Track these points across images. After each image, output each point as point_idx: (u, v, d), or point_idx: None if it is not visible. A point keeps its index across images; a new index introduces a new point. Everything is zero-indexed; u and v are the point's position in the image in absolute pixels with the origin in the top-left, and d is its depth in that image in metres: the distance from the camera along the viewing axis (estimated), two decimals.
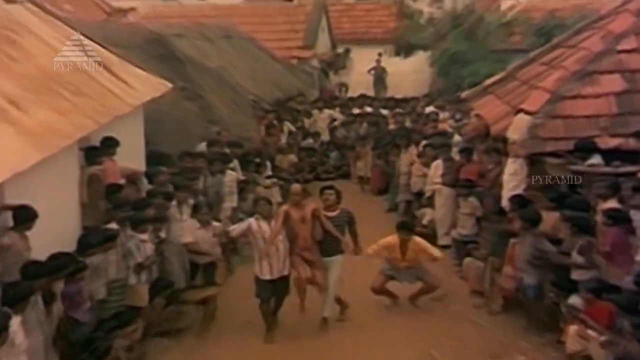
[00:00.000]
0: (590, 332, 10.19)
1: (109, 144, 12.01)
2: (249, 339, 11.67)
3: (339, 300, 12.27)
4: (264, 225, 11.50)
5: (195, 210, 12.72)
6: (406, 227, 12.91)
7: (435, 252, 12.95)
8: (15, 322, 7.54)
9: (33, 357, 8.09)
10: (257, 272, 11.57)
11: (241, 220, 15.26)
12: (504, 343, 11.46)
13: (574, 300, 10.78)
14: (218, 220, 13.75)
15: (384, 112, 23.88)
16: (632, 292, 9.96)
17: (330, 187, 12.41)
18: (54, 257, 9.14)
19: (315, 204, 12.07)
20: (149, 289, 11.38)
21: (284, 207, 11.76)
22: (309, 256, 11.72)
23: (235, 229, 11.98)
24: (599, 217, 10.98)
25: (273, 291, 11.68)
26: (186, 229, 12.56)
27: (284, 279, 11.68)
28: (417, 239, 12.79)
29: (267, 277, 11.48)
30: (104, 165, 11.84)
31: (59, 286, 9.23)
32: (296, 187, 12.14)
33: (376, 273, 12.79)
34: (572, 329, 10.43)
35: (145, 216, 11.58)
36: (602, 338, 9.95)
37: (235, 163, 16.26)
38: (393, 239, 12.70)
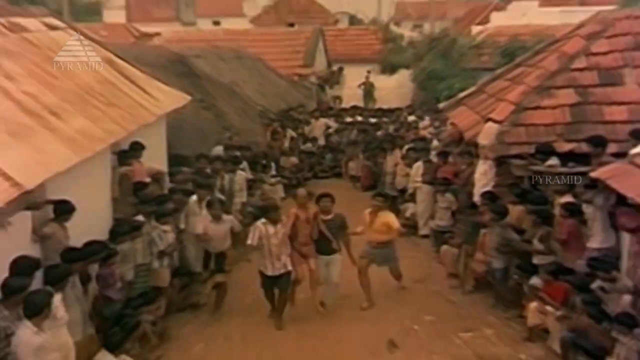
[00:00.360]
0: (547, 308, 10.19)
1: (137, 148, 11.96)
2: (255, 314, 11.72)
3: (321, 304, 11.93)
4: (270, 228, 11.16)
5: (209, 206, 12.27)
6: (381, 195, 12.66)
7: (395, 224, 12.12)
8: (56, 299, 7.50)
9: (72, 329, 8.05)
10: (261, 269, 11.33)
11: (249, 213, 15.31)
12: (475, 318, 11.45)
13: (535, 281, 10.78)
14: (229, 213, 13.69)
15: (373, 120, 23.86)
16: (583, 274, 9.96)
17: (326, 195, 11.98)
18: (88, 244, 9.15)
19: (315, 207, 11.77)
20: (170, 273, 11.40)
21: (294, 210, 11.58)
22: (307, 251, 11.59)
23: (252, 238, 11.28)
24: (556, 210, 10.98)
25: (274, 284, 11.42)
26: (198, 222, 12.24)
27: (284, 275, 11.35)
28: (388, 213, 12.28)
29: (269, 272, 11.25)
30: (133, 166, 11.81)
31: (94, 269, 9.21)
32: (302, 191, 12.09)
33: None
34: (533, 305, 10.43)
35: (167, 210, 11.52)
36: (558, 313, 9.95)
37: (244, 164, 16.22)
38: (364, 212, 12.22)
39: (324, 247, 11.67)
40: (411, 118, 22.73)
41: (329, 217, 11.71)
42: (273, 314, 11.56)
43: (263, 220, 11.31)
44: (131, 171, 11.71)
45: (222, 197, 14.41)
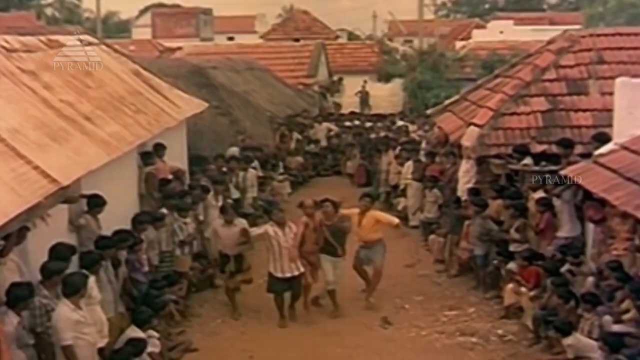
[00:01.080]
0: (522, 289, 10.22)
1: (159, 148, 12.00)
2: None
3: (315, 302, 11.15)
4: (279, 231, 10.34)
5: (222, 211, 11.30)
6: (368, 196, 11.58)
7: (392, 219, 11.43)
8: (91, 281, 7.55)
9: (105, 307, 8.10)
10: (271, 270, 10.44)
11: (260, 206, 15.36)
12: (458, 298, 11.48)
13: (511, 266, 10.81)
14: (242, 213, 13.63)
15: (368, 124, 23.83)
16: (554, 259, 9.99)
17: (327, 200, 10.97)
18: (116, 232, 9.18)
19: (319, 215, 10.83)
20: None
21: (304, 219, 10.66)
22: (313, 259, 10.74)
23: (255, 230, 10.80)
24: (530, 204, 11.01)
25: (287, 287, 10.49)
26: (212, 226, 11.31)
27: (296, 278, 10.48)
28: (375, 211, 11.37)
29: (280, 275, 10.36)
30: (157, 165, 11.84)
31: (123, 255, 9.25)
32: (308, 201, 10.99)
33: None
34: (509, 287, 10.46)
35: (186, 204, 11.52)
36: (531, 294, 9.99)
37: (256, 163, 16.23)
38: (353, 212, 11.22)
39: (329, 250, 10.80)
40: (402, 123, 22.71)
41: (331, 222, 10.80)
42: (282, 322, 10.60)
43: (271, 222, 10.61)
44: (156, 170, 11.75)
45: (237, 192, 14.47)
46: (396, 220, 11.39)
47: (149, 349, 8.52)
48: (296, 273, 10.45)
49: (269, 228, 10.46)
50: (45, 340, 6.95)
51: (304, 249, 10.61)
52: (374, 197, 11.17)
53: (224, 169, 14.73)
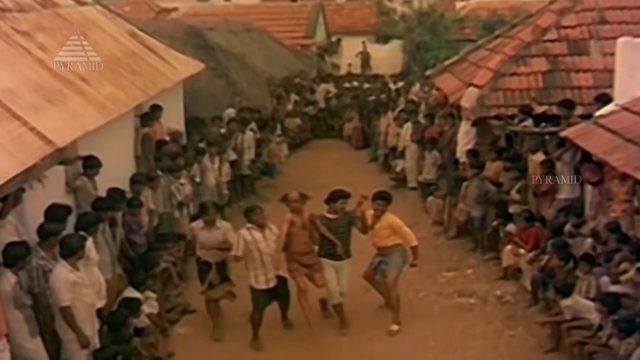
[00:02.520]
0: (520, 250, 10.28)
1: (156, 110, 11.93)
2: None
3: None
4: (257, 234, 8.64)
5: (202, 211, 9.38)
6: (382, 198, 9.47)
7: (411, 237, 9.44)
8: (89, 242, 7.56)
9: (103, 269, 8.13)
10: (252, 283, 8.81)
11: (258, 168, 15.36)
12: (457, 260, 11.55)
13: (510, 227, 10.85)
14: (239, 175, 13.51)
15: (366, 85, 23.69)
16: (558, 220, 10.01)
17: (339, 193, 9.26)
18: (110, 190, 9.18)
19: (309, 210, 9.22)
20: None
21: (288, 215, 9.00)
22: (308, 260, 9.08)
23: (238, 248, 8.74)
24: (530, 166, 11.00)
25: (270, 299, 8.95)
26: (190, 228, 9.61)
27: (280, 286, 8.93)
28: (392, 217, 9.44)
29: (263, 286, 8.75)
30: (154, 127, 11.80)
31: (119, 216, 9.27)
32: (294, 194, 9.14)
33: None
34: (507, 248, 10.52)
35: (179, 165, 11.45)
36: (529, 255, 10.04)
37: (253, 125, 16.19)
38: (368, 212, 9.43)
39: (329, 251, 9.14)
40: (401, 84, 22.60)
41: (335, 216, 9.13)
42: (256, 343, 8.97)
43: (248, 225, 8.79)
44: (152, 131, 11.71)
45: (234, 154, 14.44)
46: (415, 242, 9.44)
47: (147, 310, 8.59)
48: (276, 283, 8.86)
49: (245, 233, 8.69)
50: (43, 301, 6.99)
51: (293, 250, 9.00)
52: (389, 199, 9.44)
53: (223, 131, 14.68)
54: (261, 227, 8.73)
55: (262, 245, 8.65)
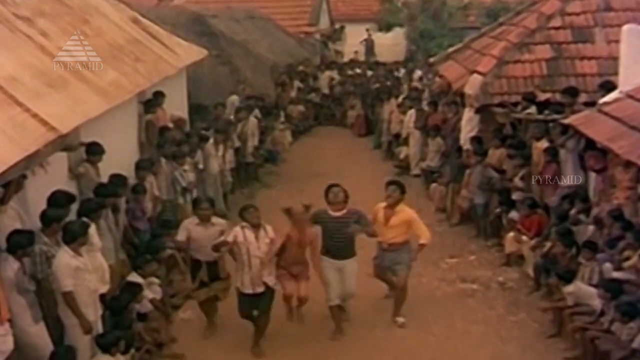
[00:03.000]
0: (523, 237, 10.27)
1: (159, 96, 11.92)
2: None
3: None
4: (250, 234, 8.13)
5: (195, 206, 9.01)
6: (397, 184, 9.08)
7: (427, 235, 9.05)
8: (91, 229, 7.56)
9: (106, 254, 8.12)
10: (238, 286, 8.34)
11: (261, 155, 15.36)
12: (459, 246, 11.57)
13: (513, 214, 10.85)
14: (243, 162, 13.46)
15: (369, 72, 23.63)
16: (559, 208, 9.99)
17: (337, 185, 8.79)
18: (112, 176, 9.18)
19: (313, 235, 8.59)
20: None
21: (288, 232, 8.43)
22: (297, 270, 8.54)
23: (227, 234, 8.39)
24: (534, 153, 10.98)
25: (255, 305, 8.36)
26: (182, 226, 8.86)
27: (266, 294, 8.32)
28: (408, 209, 9.02)
29: (248, 290, 8.23)
30: (157, 113, 11.79)
31: (122, 202, 9.28)
32: (299, 208, 8.49)
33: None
34: (510, 235, 10.53)
35: (183, 152, 11.46)
36: (532, 242, 10.05)
37: (256, 112, 16.18)
38: (376, 207, 9.02)
39: (331, 249, 8.63)
40: (404, 71, 22.54)
41: (340, 213, 8.57)
42: (258, 349, 8.55)
43: (243, 224, 8.26)
44: (155, 118, 11.70)
45: (238, 141, 14.43)
46: (427, 239, 9.06)
47: (150, 295, 8.60)
48: (264, 289, 8.30)
49: (239, 232, 8.21)
50: (46, 287, 7.00)
51: (284, 260, 8.52)
52: (404, 188, 8.99)
53: (231, 118, 14.66)
54: (255, 227, 8.19)
55: (253, 247, 8.12)
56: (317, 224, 8.66)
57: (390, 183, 9.05)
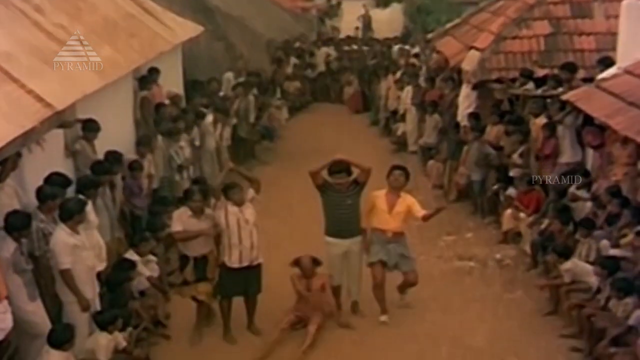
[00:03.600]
0: (521, 214, 10.29)
1: (153, 72, 11.87)
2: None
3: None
4: (234, 209, 7.95)
5: (187, 197, 8.36)
6: (401, 168, 8.66)
7: (419, 210, 8.55)
8: (88, 206, 7.57)
9: (102, 232, 8.14)
10: (225, 260, 7.99)
11: (258, 131, 15.31)
12: (457, 224, 11.56)
13: (510, 191, 10.86)
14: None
15: (366, 48, 23.50)
16: (557, 185, 10.01)
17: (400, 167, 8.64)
18: (108, 153, 9.16)
19: (324, 278, 8.39)
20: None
21: (294, 273, 8.37)
22: (303, 315, 8.30)
23: (221, 222, 8.02)
24: (533, 129, 10.97)
25: (241, 283, 8.09)
26: (175, 217, 8.26)
27: (255, 269, 8.11)
28: (408, 196, 8.64)
29: (236, 264, 7.94)
30: (152, 90, 11.74)
31: (118, 179, 9.29)
32: (306, 261, 8.32)
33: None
34: (507, 212, 10.55)
35: (179, 128, 11.40)
36: (529, 219, 10.06)
37: (254, 89, 16.10)
38: (374, 194, 8.53)
39: (335, 228, 8.36)
40: (402, 47, 22.41)
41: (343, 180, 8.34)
42: (227, 336, 8.26)
43: (228, 202, 8.04)
44: (151, 94, 11.65)
45: (235, 118, 14.39)
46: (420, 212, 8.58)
47: (148, 273, 8.62)
48: (255, 262, 8.07)
49: (230, 207, 8.00)
50: (43, 264, 7.02)
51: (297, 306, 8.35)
52: (408, 174, 8.61)
53: (229, 94, 14.59)
54: (239, 205, 7.96)
55: (241, 220, 7.90)
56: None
57: (395, 168, 8.60)
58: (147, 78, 11.58)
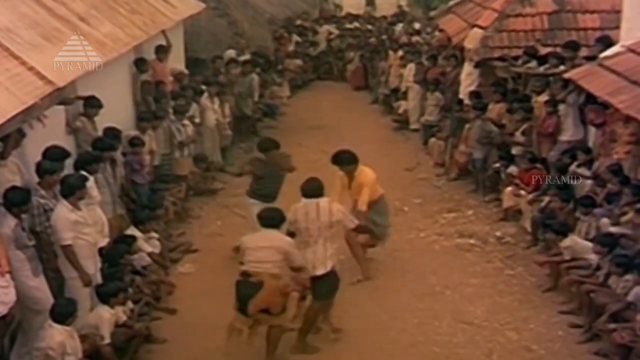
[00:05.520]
0: (521, 192, 10.31)
1: (160, 50, 11.91)
2: None
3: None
4: (312, 208, 7.24)
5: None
6: (338, 161, 8.58)
7: (364, 203, 8.51)
8: (90, 182, 7.59)
9: (104, 208, 8.18)
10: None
11: (260, 109, 15.27)
12: (457, 201, 11.58)
13: (512, 169, 10.87)
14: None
15: (369, 26, 23.38)
16: (558, 163, 10.01)
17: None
18: (107, 130, 9.15)
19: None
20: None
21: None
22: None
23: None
24: (535, 107, 10.96)
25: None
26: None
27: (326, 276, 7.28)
28: (364, 170, 8.68)
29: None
30: (157, 68, 11.72)
31: (119, 155, 9.31)
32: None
33: None
34: (508, 190, 10.56)
35: (180, 106, 11.45)
36: (530, 196, 10.08)
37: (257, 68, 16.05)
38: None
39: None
40: (405, 25, 22.30)
41: None
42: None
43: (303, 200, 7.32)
44: (151, 75, 11.62)
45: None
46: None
47: (149, 249, 8.67)
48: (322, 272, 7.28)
49: (299, 208, 7.31)
50: (45, 239, 7.04)
51: None
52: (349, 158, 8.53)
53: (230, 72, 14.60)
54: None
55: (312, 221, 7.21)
56: None
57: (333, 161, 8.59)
58: (145, 60, 11.50)
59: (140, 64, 11.39)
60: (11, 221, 6.56)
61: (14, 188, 6.73)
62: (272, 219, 7.11)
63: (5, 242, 6.42)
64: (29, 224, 6.89)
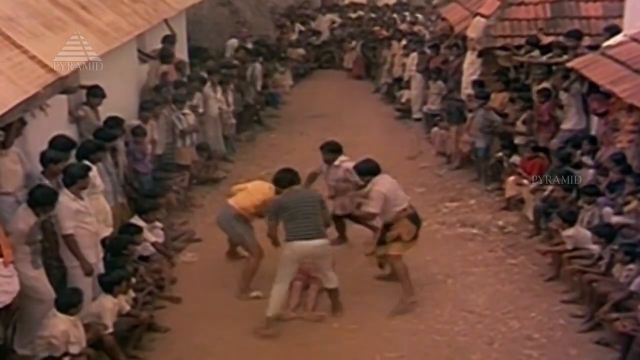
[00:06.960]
0: (524, 181, 10.28)
1: (168, 40, 11.92)
2: None
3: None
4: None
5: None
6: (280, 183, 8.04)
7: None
8: (93, 171, 7.57)
9: (105, 197, 8.14)
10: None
11: (263, 98, 15.23)
12: (460, 190, 11.56)
13: (514, 158, 10.84)
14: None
15: (372, 15, 23.27)
16: (561, 152, 9.97)
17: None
18: (109, 119, 9.12)
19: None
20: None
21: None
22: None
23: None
24: (535, 96, 10.92)
25: None
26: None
27: None
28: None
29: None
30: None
31: (121, 144, 9.28)
32: None
33: None
34: (511, 179, 10.53)
35: (181, 95, 11.42)
36: (532, 186, 10.05)
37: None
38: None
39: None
40: (407, 14, 22.23)
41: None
42: None
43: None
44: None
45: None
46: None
47: (152, 238, 8.65)
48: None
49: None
50: (48, 228, 7.02)
51: None
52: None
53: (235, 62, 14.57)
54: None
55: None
56: None
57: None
58: (171, 52, 11.68)
59: (165, 54, 11.59)
60: (31, 219, 6.52)
61: (41, 187, 6.73)
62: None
63: (17, 236, 6.42)
64: None
